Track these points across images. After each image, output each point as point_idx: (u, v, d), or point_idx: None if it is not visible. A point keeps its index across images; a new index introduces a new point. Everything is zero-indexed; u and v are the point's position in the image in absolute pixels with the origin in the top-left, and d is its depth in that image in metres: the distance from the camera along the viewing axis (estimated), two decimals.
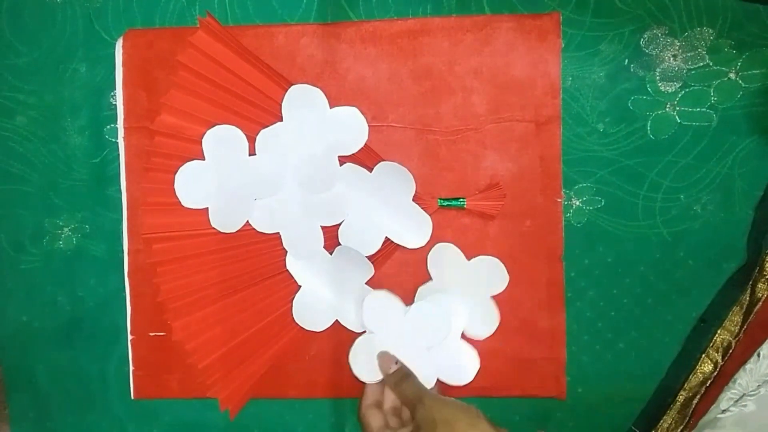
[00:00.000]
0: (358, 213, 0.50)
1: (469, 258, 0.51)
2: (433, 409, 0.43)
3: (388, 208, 0.50)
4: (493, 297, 0.51)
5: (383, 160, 0.50)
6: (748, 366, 0.47)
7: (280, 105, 0.50)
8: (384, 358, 0.49)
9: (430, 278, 0.51)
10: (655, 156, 0.50)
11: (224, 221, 0.51)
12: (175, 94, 0.51)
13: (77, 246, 0.54)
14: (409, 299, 0.51)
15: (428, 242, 0.51)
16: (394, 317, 0.50)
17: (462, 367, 0.50)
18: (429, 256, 0.51)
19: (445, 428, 0.42)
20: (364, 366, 0.49)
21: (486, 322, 0.51)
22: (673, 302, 0.50)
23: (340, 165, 0.50)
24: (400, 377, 0.48)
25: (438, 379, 0.50)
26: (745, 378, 0.47)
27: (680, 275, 0.50)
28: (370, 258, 0.50)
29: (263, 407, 0.53)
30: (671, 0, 0.49)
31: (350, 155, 0.50)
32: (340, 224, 0.51)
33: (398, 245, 0.51)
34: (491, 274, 0.51)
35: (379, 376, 0.49)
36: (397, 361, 0.49)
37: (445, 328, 0.49)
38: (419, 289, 0.51)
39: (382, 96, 0.51)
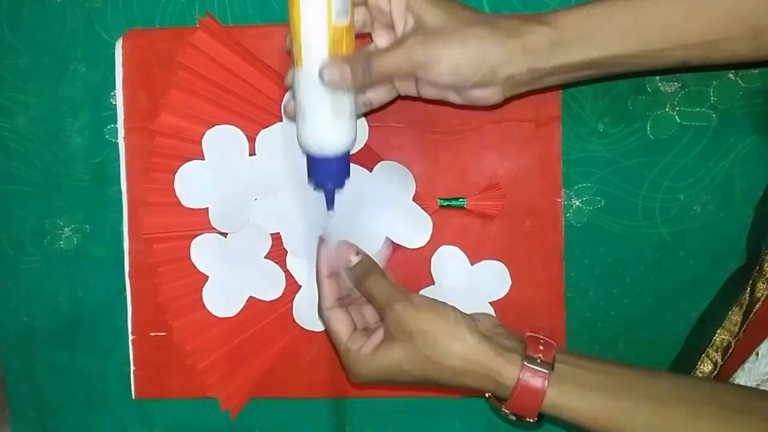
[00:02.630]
0: (358, 213, 0.50)
1: (472, 262, 0.51)
2: (407, 317, 0.40)
3: (388, 208, 0.50)
4: (493, 302, 0.51)
5: (383, 159, 0.50)
6: (746, 365, 0.47)
7: (281, 105, 0.50)
8: (343, 248, 0.44)
9: (432, 282, 0.51)
10: (654, 156, 0.50)
11: (224, 221, 0.51)
12: (175, 94, 0.51)
13: (77, 246, 0.54)
14: None
15: (428, 243, 0.51)
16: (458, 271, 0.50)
17: (415, 231, 0.50)
18: (433, 259, 0.51)
19: (421, 341, 0.39)
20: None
21: None
22: (673, 302, 0.51)
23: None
24: (363, 271, 0.43)
25: (388, 238, 0.49)
26: (743, 377, 0.47)
27: (680, 275, 0.50)
28: (380, 259, 0.50)
29: (264, 407, 0.53)
30: None
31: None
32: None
33: (398, 245, 0.51)
34: (494, 279, 0.51)
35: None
36: (358, 252, 0.44)
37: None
38: (420, 292, 0.51)
39: None
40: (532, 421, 0.40)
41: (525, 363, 0.39)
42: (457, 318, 0.41)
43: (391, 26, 0.42)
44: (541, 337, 0.41)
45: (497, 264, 0.51)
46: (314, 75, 0.39)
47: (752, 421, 0.38)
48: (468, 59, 0.39)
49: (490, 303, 0.51)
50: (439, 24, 0.40)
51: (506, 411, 0.41)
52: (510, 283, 0.51)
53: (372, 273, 0.43)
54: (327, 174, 0.43)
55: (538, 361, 0.39)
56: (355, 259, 0.44)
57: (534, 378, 0.39)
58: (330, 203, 0.44)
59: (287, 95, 0.44)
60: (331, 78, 0.39)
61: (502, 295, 0.51)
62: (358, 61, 0.39)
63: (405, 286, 0.50)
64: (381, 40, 0.43)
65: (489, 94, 0.41)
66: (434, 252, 0.51)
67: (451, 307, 0.42)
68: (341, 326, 0.43)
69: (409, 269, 0.51)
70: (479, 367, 0.39)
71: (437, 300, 0.42)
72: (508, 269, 0.51)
